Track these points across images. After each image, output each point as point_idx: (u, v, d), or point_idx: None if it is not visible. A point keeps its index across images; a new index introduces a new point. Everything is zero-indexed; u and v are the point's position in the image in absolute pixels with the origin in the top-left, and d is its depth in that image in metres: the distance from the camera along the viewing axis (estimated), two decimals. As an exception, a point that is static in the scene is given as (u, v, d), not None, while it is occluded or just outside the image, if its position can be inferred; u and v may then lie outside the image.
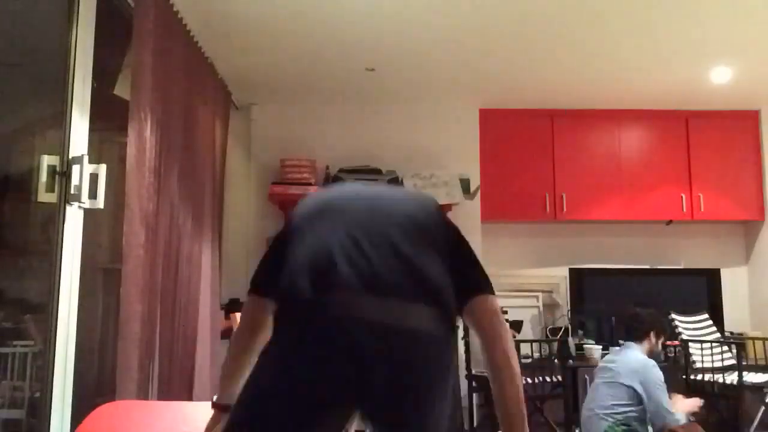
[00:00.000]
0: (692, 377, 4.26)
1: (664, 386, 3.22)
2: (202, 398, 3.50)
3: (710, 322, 4.67)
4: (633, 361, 3.30)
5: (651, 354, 3.42)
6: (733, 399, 4.14)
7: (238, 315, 3.06)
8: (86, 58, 2.50)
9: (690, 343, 4.35)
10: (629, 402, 3.22)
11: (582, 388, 4.42)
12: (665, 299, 4.80)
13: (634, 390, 3.22)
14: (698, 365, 4.22)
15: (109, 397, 2.61)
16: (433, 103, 4.96)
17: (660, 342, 3.50)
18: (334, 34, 3.72)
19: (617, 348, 3.67)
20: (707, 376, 4.19)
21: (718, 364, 4.17)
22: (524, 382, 4.07)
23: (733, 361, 4.23)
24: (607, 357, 3.57)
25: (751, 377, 4.14)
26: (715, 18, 3.56)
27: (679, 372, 4.30)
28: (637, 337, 3.42)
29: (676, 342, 4.46)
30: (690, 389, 4.18)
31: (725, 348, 4.33)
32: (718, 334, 4.59)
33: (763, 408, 4.18)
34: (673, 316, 4.57)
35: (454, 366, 1.52)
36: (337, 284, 1.44)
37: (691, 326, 4.59)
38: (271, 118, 4.93)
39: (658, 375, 3.24)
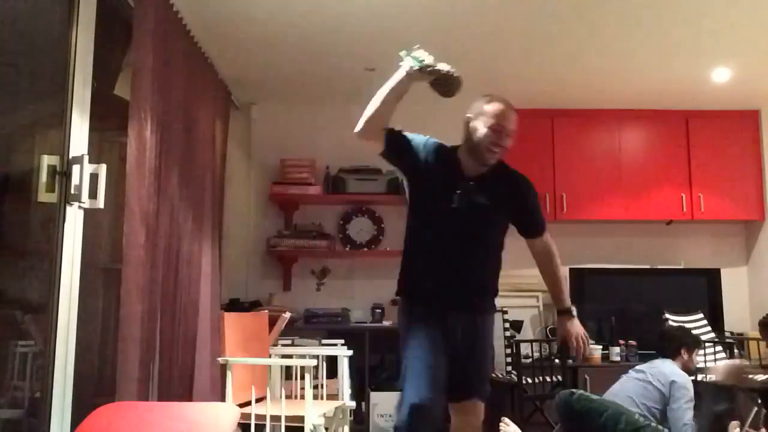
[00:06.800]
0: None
1: (692, 404, 3.19)
2: (202, 398, 3.50)
3: (705, 321, 4.63)
4: (669, 371, 3.26)
5: (687, 369, 3.36)
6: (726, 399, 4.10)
7: (224, 314, 3.18)
8: (86, 58, 2.50)
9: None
10: (656, 401, 3.20)
11: (582, 388, 4.41)
12: (665, 299, 4.79)
13: (663, 394, 3.19)
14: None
15: (109, 397, 2.61)
16: (433, 103, 4.93)
17: (694, 356, 3.43)
18: (334, 34, 3.72)
19: (654, 360, 3.53)
20: (699, 376, 4.17)
21: (711, 364, 4.15)
22: (524, 382, 4.10)
23: (726, 361, 4.21)
24: (642, 366, 3.47)
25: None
26: (715, 18, 3.56)
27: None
28: (669, 354, 3.38)
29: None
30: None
31: (719, 348, 4.32)
32: (712, 334, 4.54)
33: (755, 408, 4.17)
34: (667, 315, 4.55)
35: None
36: None
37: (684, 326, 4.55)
38: (271, 118, 4.93)
39: (689, 393, 3.20)
